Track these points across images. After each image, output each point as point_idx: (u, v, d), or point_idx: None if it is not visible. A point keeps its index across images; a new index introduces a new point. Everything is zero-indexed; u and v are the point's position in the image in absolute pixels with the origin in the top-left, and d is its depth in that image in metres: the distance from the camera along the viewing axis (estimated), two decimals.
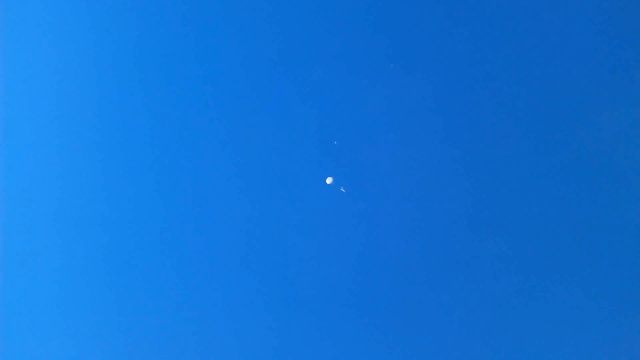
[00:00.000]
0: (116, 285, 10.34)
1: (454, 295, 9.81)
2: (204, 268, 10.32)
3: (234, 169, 10.45)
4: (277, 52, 10.53)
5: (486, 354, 9.64)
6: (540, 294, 9.63)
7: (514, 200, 9.88)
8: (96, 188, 10.53)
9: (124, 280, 10.34)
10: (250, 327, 10.12)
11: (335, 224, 10.19)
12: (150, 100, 10.61)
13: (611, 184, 9.71)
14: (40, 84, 10.73)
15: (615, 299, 9.50)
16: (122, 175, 10.54)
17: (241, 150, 10.44)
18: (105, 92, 10.68)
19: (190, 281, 10.29)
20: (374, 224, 10.14)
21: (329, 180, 9.71)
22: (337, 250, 10.17)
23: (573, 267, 9.66)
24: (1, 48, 10.74)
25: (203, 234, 10.38)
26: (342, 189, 9.65)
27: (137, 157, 10.55)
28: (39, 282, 10.43)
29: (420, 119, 10.19)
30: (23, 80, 10.75)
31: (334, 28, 10.44)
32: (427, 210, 10.05)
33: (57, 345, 10.27)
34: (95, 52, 10.73)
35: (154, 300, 10.27)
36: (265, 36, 10.58)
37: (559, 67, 10.00)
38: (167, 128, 10.55)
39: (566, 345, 9.52)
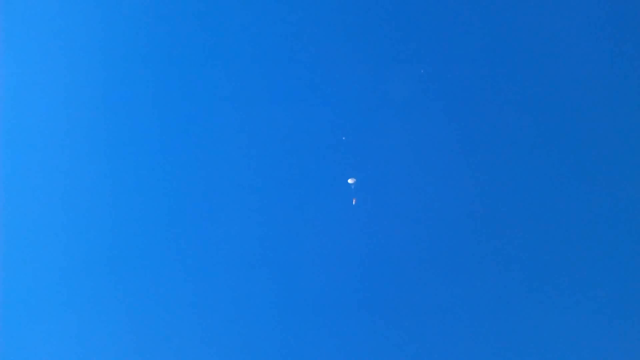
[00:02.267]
0: (120, 285, 10.31)
1: (460, 295, 9.80)
2: (209, 267, 10.28)
3: (239, 169, 10.41)
4: (286, 52, 10.50)
5: (490, 353, 9.67)
6: (547, 295, 9.65)
7: (519, 201, 9.89)
8: (102, 187, 10.48)
9: (127, 280, 10.30)
10: (255, 327, 10.08)
11: (341, 223, 10.17)
12: (157, 99, 10.57)
13: (611, 184, 9.75)
14: (41, 84, 10.68)
15: (615, 299, 9.52)
16: (128, 175, 10.50)
17: (246, 150, 10.40)
18: (111, 90, 10.62)
19: (196, 280, 10.26)
20: (381, 223, 10.13)
21: (351, 181, 9.68)
22: (344, 249, 10.13)
23: (574, 266, 9.69)
24: (1, 48, 10.72)
25: (208, 233, 10.35)
26: (353, 201, 9.64)
27: (144, 155, 10.51)
28: (39, 282, 10.39)
29: (426, 120, 10.20)
30: (23, 81, 10.71)
31: (343, 28, 10.42)
32: (433, 209, 10.04)
33: (57, 345, 10.25)
34: (99, 51, 10.68)
35: (155, 300, 10.22)
36: (276, 37, 10.54)
37: (560, 67, 10.03)
38: (172, 128, 10.51)
39: (566, 344, 9.55)
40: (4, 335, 10.25)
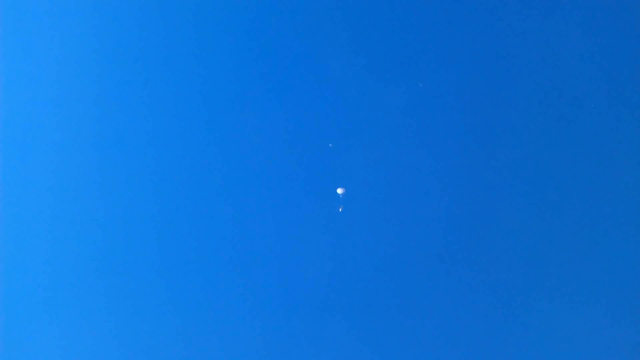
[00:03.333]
0: (116, 287, 10.34)
1: (453, 298, 9.83)
2: (202, 272, 10.32)
3: (230, 173, 10.44)
4: (277, 57, 10.52)
5: (486, 355, 9.69)
6: (540, 296, 9.67)
7: (515, 202, 9.92)
8: (98, 190, 10.52)
9: (124, 282, 10.34)
10: (245, 330, 10.13)
11: (332, 227, 10.20)
12: (150, 102, 10.59)
13: (611, 184, 9.74)
14: (39, 85, 10.69)
15: (615, 299, 9.53)
16: (124, 178, 10.52)
17: (237, 153, 10.44)
18: (104, 92, 10.64)
19: (188, 284, 10.30)
20: (369, 231, 10.15)
21: (340, 191, 9.67)
22: (334, 253, 10.17)
23: (572, 267, 9.69)
24: (1, 48, 10.74)
25: (200, 237, 10.39)
26: (340, 209, 9.63)
27: (137, 159, 10.53)
28: (38, 282, 10.43)
29: (419, 123, 10.21)
30: (23, 81, 10.73)
31: (330, 35, 10.42)
32: (425, 214, 10.07)
33: (56, 345, 10.27)
34: (95, 52, 10.70)
35: (151, 302, 10.28)
36: (265, 41, 10.57)
37: (559, 67, 10.04)
38: (165, 131, 10.53)
39: (566, 345, 9.55)
40: (4, 335, 10.27)
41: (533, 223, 9.82)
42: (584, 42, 10.01)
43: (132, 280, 10.31)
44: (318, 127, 10.32)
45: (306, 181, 10.27)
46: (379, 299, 10.01)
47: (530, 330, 9.62)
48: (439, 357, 9.76)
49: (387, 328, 9.94)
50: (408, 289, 9.98)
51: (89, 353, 10.20)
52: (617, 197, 9.71)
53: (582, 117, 9.90)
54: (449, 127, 10.13)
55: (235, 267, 10.29)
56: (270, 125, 10.42)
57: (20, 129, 10.66)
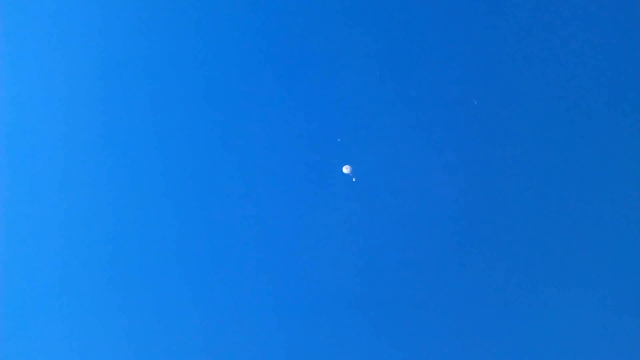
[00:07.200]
0: (121, 287, 10.36)
1: (458, 295, 9.85)
2: (207, 266, 10.33)
3: (236, 169, 10.46)
4: (286, 53, 10.56)
5: (487, 354, 9.70)
6: (541, 295, 9.69)
7: (516, 201, 9.94)
8: (102, 190, 10.53)
9: (127, 282, 10.37)
10: (254, 326, 10.14)
11: (339, 222, 10.21)
12: (156, 99, 10.60)
13: (611, 184, 9.75)
14: (40, 85, 10.70)
15: (615, 299, 9.54)
16: (128, 176, 10.54)
17: (243, 150, 10.45)
18: (107, 93, 10.66)
19: (194, 280, 10.31)
20: (378, 224, 10.17)
21: (345, 170, 9.61)
22: (342, 248, 10.18)
23: (572, 267, 9.71)
24: (1, 48, 10.75)
25: (207, 233, 10.40)
26: (353, 179, 9.58)
27: (143, 156, 10.54)
28: (39, 283, 10.44)
29: (424, 120, 10.24)
30: (23, 81, 10.73)
31: (342, 29, 10.46)
32: (431, 210, 10.09)
33: (56, 345, 10.29)
34: (97, 54, 10.71)
35: (156, 300, 10.29)
36: (273, 37, 10.59)
37: (558, 67, 10.06)
38: (170, 127, 10.54)
39: (566, 345, 9.57)
40: (4, 335, 10.29)
41: (538, 219, 9.86)
42: (588, 43, 10.05)
43: (131, 278, 10.34)
44: (327, 125, 10.35)
45: (315, 174, 10.28)
46: (386, 298, 10.03)
47: (536, 329, 9.65)
48: (444, 354, 9.79)
49: (395, 325, 9.98)
50: (417, 287, 10.02)
51: (87, 352, 10.22)
52: (617, 197, 9.73)
53: (587, 119, 9.93)
54: (455, 126, 10.15)
55: (241, 266, 10.30)
56: (279, 124, 10.44)
57: (20, 129, 10.68)
